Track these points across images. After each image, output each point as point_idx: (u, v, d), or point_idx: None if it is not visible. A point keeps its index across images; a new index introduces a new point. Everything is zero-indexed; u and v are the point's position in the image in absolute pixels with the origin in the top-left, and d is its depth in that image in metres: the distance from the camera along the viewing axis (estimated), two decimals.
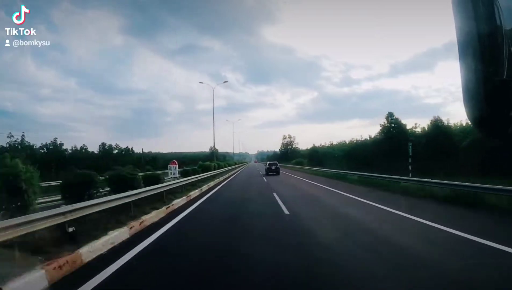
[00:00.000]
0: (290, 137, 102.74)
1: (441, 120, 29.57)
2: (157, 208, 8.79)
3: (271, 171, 31.13)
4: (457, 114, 27.05)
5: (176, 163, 17.70)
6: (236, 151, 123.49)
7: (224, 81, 51.56)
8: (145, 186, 9.74)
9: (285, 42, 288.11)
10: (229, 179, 27.84)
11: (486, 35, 1.04)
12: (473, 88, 1.10)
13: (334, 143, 60.10)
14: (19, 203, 5.08)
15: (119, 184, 8.63)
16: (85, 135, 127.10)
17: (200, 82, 37.11)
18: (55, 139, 43.02)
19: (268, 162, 38.17)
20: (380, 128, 33.78)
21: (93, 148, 48.56)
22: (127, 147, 50.23)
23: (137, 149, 54.32)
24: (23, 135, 37.15)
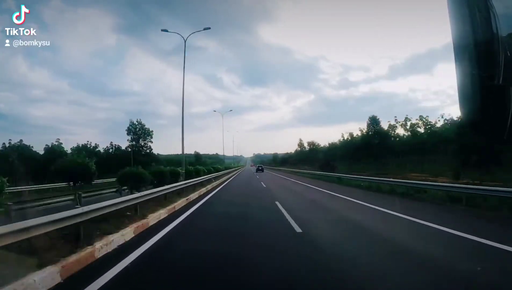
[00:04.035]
0: None
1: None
2: None
3: (258, 170, 46.36)
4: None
5: None
6: (230, 154, 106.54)
7: (205, 27, 16.24)
8: None
9: (282, 43, 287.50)
10: None
11: (482, 41, 1.06)
12: (469, 92, 1.12)
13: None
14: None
15: None
16: (79, 138, 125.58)
17: (162, 30, 19.41)
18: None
19: (257, 165, 58.98)
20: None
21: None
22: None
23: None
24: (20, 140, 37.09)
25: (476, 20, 1.08)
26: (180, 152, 18.25)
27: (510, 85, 1.03)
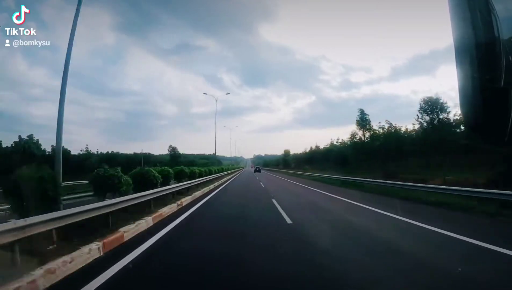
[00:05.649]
0: None
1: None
2: None
3: (256, 171, 55.26)
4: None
5: None
6: (230, 154, 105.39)
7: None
8: None
9: (282, 42, 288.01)
10: None
11: (483, 43, 1.06)
12: (470, 94, 1.11)
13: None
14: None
15: None
16: (77, 138, 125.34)
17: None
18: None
19: (255, 166, 68.32)
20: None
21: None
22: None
23: (130, 152, 52.31)
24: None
25: (477, 23, 1.08)
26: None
27: (511, 88, 1.03)
